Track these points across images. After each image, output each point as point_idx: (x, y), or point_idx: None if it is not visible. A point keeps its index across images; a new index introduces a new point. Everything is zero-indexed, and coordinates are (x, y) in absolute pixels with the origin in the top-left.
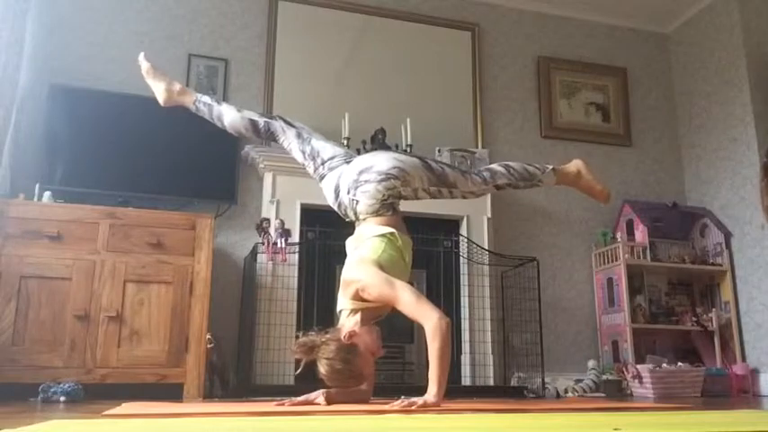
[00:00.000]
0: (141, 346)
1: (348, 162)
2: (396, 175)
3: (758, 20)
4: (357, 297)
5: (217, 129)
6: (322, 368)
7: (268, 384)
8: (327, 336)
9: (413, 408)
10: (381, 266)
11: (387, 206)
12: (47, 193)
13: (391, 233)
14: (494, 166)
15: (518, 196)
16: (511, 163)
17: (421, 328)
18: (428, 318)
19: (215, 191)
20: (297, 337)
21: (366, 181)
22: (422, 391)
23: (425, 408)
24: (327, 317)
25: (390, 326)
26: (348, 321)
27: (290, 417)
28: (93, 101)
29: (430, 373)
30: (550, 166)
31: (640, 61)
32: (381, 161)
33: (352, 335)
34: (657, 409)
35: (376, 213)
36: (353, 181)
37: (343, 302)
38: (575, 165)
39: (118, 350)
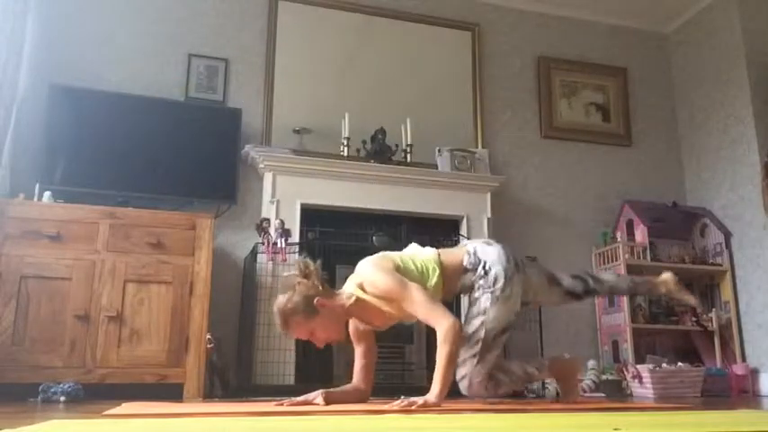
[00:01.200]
0: (141, 346)
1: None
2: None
3: (758, 20)
4: (361, 287)
5: (217, 129)
6: (279, 297)
7: (268, 384)
8: (312, 283)
9: (413, 408)
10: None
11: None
12: (47, 193)
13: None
14: (499, 374)
15: (518, 196)
16: (513, 367)
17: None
18: (441, 320)
19: (215, 191)
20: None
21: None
22: (422, 391)
23: (426, 408)
24: None
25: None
26: (341, 297)
27: (289, 417)
28: (93, 101)
29: (435, 373)
30: (546, 363)
31: (640, 61)
32: None
33: (323, 303)
34: (657, 409)
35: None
36: None
37: (348, 285)
38: (568, 361)
39: (118, 350)
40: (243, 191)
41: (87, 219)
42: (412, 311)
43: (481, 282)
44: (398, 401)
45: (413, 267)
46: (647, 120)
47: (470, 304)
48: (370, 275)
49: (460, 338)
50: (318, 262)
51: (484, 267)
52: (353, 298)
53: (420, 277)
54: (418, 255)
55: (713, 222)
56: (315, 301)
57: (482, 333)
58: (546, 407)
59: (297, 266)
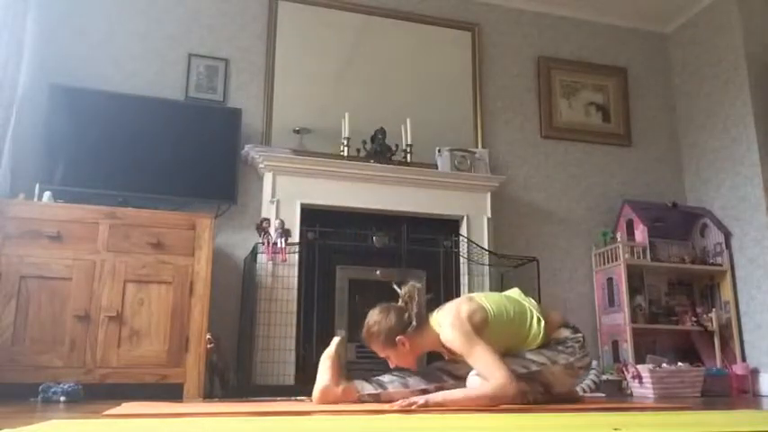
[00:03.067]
0: (141, 346)
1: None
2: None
3: (758, 20)
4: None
5: (217, 129)
6: (376, 310)
7: (268, 384)
8: (405, 315)
9: (413, 407)
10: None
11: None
12: (47, 193)
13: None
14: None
15: (518, 196)
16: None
17: None
18: (498, 376)
19: (215, 191)
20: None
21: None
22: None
23: (426, 407)
24: (327, 317)
25: None
26: (427, 334)
27: (289, 417)
28: (93, 101)
29: (460, 390)
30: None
31: (640, 61)
32: None
33: (403, 342)
34: (657, 409)
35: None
36: None
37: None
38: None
39: (118, 350)
40: (243, 191)
41: (87, 219)
42: (472, 364)
43: (574, 345)
44: (399, 401)
45: (504, 313)
46: (647, 120)
47: (547, 347)
48: (444, 326)
49: (504, 398)
50: (422, 290)
51: (583, 338)
52: (424, 340)
53: (515, 322)
54: (518, 300)
55: (713, 222)
56: (397, 338)
57: (534, 367)
58: (546, 407)
59: (405, 289)
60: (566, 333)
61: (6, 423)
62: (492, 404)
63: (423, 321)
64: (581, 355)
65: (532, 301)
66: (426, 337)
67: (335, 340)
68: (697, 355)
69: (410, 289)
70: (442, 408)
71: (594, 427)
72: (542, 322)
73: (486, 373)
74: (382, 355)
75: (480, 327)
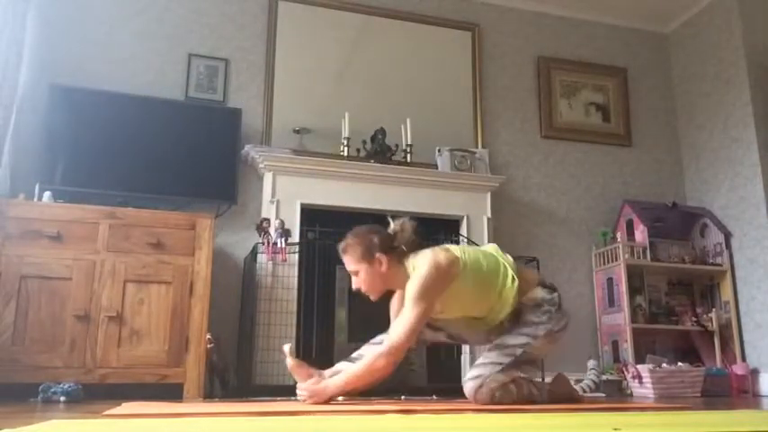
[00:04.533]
0: (141, 346)
1: None
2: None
3: (758, 20)
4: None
5: (217, 129)
6: (365, 226)
7: (268, 384)
8: (392, 239)
9: (313, 401)
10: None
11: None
12: (47, 193)
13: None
14: (510, 383)
15: (518, 196)
16: (523, 382)
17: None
18: (401, 335)
19: (215, 191)
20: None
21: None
22: (422, 392)
23: (316, 396)
24: (327, 317)
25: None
26: (402, 270)
27: (289, 417)
28: (93, 101)
29: (351, 367)
30: (546, 387)
31: (640, 61)
32: None
33: (381, 261)
34: (657, 409)
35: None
36: None
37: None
38: (559, 379)
39: (118, 350)
40: (243, 191)
41: (87, 219)
42: (402, 312)
43: (551, 308)
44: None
45: (478, 268)
46: (647, 120)
47: (524, 323)
48: (418, 270)
49: (397, 353)
50: (415, 227)
51: (559, 297)
52: (397, 261)
53: (488, 278)
54: (495, 257)
55: (713, 222)
56: (376, 254)
57: (519, 351)
58: (546, 407)
59: (399, 221)
60: (541, 294)
61: (6, 423)
62: (387, 364)
63: (405, 254)
64: (558, 318)
65: (509, 258)
66: (399, 273)
67: (286, 350)
68: (697, 355)
69: (404, 221)
70: (336, 394)
71: (594, 427)
72: (516, 281)
73: (399, 328)
74: (353, 268)
75: (452, 278)
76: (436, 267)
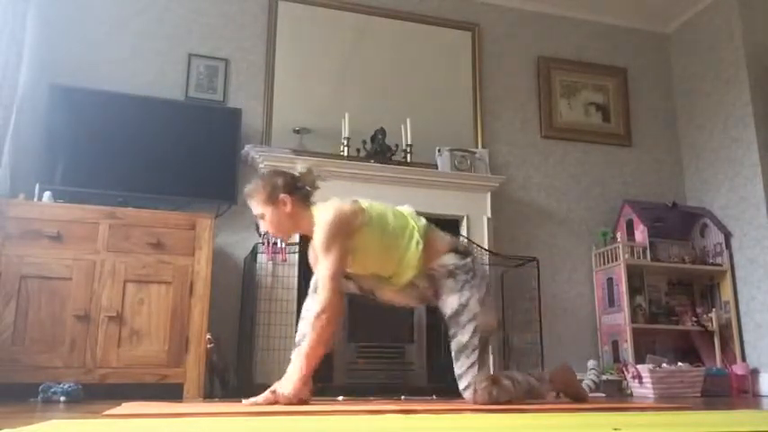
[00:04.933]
0: (141, 346)
1: None
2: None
3: (758, 20)
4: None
5: (217, 129)
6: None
7: (268, 384)
8: (296, 181)
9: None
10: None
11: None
12: (47, 193)
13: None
14: (504, 379)
15: (518, 196)
16: (517, 377)
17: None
18: (328, 293)
19: (215, 191)
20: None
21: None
22: (422, 391)
23: (275, 402)
24: None
25: (390, 327)
26: (307, 214)
27: (289, 417)
28: (93, 101)
29: (298, 356)
30: (547, 376)
31: (640, 61)
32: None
33: (285, 202)
34: (657, 409)
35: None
36: None
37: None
38: (563, 367)
39: (118, 350)
40: (243, 191)
41: (87, 219)
42: (319, 267)
43: (466, 277)
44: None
45: (383, 225)
46: (647, 120)
47: (456, 312)
48: (321, 217)
49: (336, 321)
50: (322, 175)
51: (474, 264)
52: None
53: (393, 236)
54: (406, 218)
55: (713, 222)
56: (280, 196)
57: (477, 340)
58: (546, 407)
59: (307, 164)
60: (452, 260)
61: (6, 423)
62: (327, 321)
63: (310, 195)
64: (478, 285)
65: (423, 221)
66: (304, 217)
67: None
68: (697, 355)
69: (311, 166)
70: (295, 397)
71: (594, 427)
72: (420, 245)
73: (321, 282)
74: (259, 211)
75: (355, 229)
76: (339, 214)
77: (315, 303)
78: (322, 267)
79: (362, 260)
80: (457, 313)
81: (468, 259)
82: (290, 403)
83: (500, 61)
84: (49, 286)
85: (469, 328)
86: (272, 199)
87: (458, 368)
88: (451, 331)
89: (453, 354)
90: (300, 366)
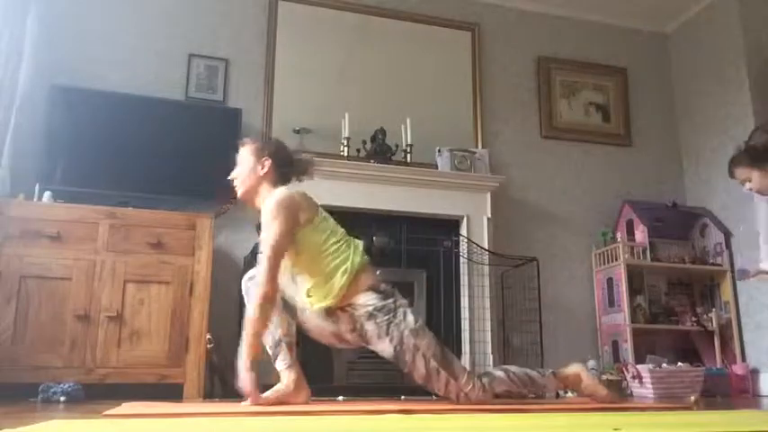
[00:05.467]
0: (141, 346)
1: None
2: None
3: (758, 20)
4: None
5: (217, 129)
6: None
7: (268, 384)
8: (279, 153)
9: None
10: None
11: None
12: (47, 193)
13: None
14: (493, 370)
15: (518, 196)
16: (511, 367)
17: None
18: (265, 281)
19: (215, 191)
20: None
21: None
22: (422, 391)
23: (242, 382)
24: None
25: None
26: (269, 190)
27: (289, 417)
28: (93, 101)
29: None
30: (549, 370)
31: (640, 61)
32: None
33: (263, 165)
34: (657, 409)
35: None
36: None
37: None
38: (574, 368)
39: (118, 350)
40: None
41: (87, 219)
42: (261, 238)
43: (388, 317)
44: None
45: (326, 236)
46: (647, 120)
47: (396, 356)
48: (273, 197)
49: (269, 308)
50: (309, 167)
51: (395, 304)
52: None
53: (326, 253)
54: (350, 248)
55: (713, 222)
56: (265, 158)
57: (434, 362)
58: (546, 407)
59: (309, 157)
60: (373, 301)
61: (6, 423)
62: (265, 289)
63: (287, 181)
64: (404, 318)
65: (365, 258)
66: (266, 189)
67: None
68: (697, 355)
69: (312, 162)
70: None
71: (594, 427)
72: (346, 276)
73: (263, 254)
74: (240, 157)
75: (302, 218)
76: (290, 195)
77: (259, 291)
78: (264, 239)
79: (294, 254)
80: (397, 357)
81: (390, 300)
82: (248, 394)
83: (500, 61)
84: (48, 286)
85: (419, 361)
86: (256, 153)
87: (438, 392)
88: (405, 370)
89: (423, 384)
90: (246, 333)
